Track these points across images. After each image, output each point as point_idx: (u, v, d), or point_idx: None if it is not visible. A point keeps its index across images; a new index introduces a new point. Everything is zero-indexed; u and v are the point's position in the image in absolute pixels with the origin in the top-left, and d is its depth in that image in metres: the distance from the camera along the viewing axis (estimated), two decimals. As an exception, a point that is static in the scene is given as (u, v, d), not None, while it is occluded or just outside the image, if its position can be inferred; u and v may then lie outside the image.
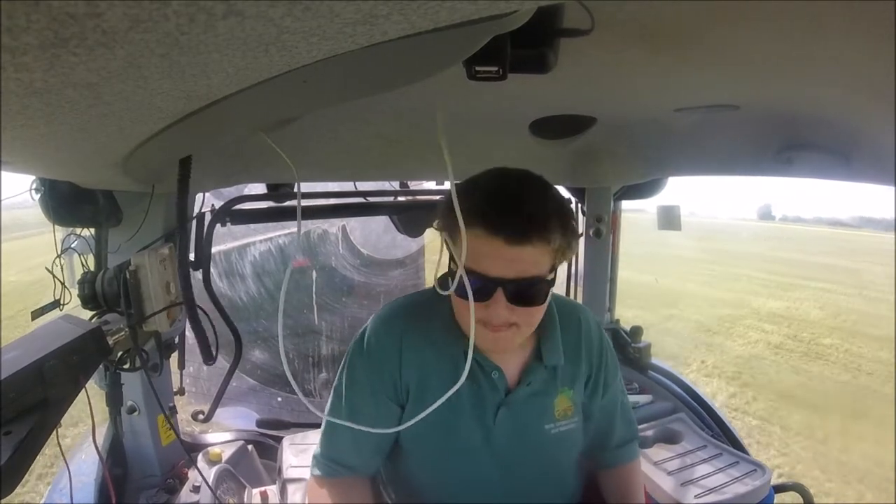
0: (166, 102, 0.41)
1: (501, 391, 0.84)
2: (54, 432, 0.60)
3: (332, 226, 4.46)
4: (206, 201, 1.32)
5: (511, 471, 0.86)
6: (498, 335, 0.75)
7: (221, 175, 1.24)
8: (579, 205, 1.79)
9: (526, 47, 0.54)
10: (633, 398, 1.59)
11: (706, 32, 0.57)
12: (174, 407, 1.35)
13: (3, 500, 0.50)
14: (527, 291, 0.72)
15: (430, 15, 0.30)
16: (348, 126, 1.11)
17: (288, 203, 1.45)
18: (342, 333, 4.11)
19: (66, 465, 0.96)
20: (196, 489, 1.18)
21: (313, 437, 1.35)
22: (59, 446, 0.76)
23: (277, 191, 1.43)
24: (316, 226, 4.12)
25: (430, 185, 1.78)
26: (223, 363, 1.34)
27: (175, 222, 1.14)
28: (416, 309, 0.88)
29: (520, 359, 0.86)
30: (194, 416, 1.49)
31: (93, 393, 0.80)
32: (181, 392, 1.36)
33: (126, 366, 0.98)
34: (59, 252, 1.01)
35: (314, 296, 4.11)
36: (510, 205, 0.69)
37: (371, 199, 1.61)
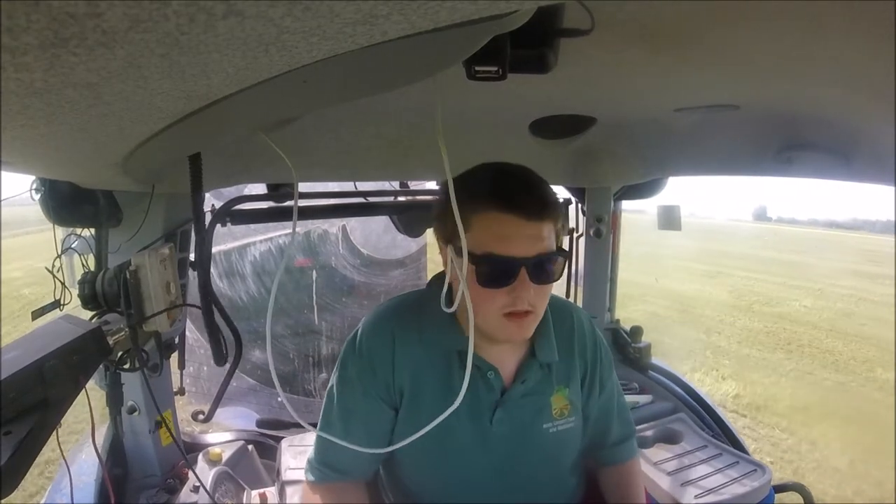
0: (166, 102, 0.41)
1: (497, 390, 0.83)
2: (54, 432, 0.60)
3: (332, 226, 4.46)
4: (206, 201, 1.32)
5: (510, 471, 0.86)
6: (521, 322, 0.74)
7: (221, 175, 1.24)
8: (579, 205, 1.79)
9: (526, 47, 0.54)
10: (633, 398, 1.59)
11: (706, 32, 0.57)
12: (160, 422, 1.32)
13: (4, 501, 0.50)
14: (548, 267, 0.73)
15: (430, 15, 0.30)
16: (348, 126, 1.11)
17: (288, 203, 1.45)
18: (342, 333, 4.11)
19: (66, 465, 0.96)
20: (196, 489, 1.18)
21: (312, 439, 1.35)
22: (59, 446, 0.76)
23: (277, 191, 1.43)
24: (316, 226, 4.12)
25: (431, 185, 1.78)
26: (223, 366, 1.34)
27: (176, 223, 1.14)
28: (407, 309, 0.87)
29: (515, 357, 0.85)
30: (194, 416, 1.49)
31: (93, 393, 0.80)
32: (181, 392, 1.36)
33: (126, 366, 0.98)
34: (60, 252, 1.01)
35: (314, 296, 4.11)
36: (521, 184, 0.72)
37: (371, 199, 1.60)
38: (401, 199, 1.68)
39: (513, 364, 0.85)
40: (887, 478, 3.38)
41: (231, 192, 1.62)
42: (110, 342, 0.80)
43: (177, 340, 1.30)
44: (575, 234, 1.81)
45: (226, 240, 3.75)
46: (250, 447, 1.49)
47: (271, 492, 1.25)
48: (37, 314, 0.91)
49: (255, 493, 1.24)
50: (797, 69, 0.68)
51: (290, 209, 1.44)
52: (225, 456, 1.35)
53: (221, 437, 1.56)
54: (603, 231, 1.72)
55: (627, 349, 1.76)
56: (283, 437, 1.41)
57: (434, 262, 4.87)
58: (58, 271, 0.97)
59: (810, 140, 1.00)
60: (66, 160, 0.66)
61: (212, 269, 1.32)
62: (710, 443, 1.36)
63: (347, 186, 1.58)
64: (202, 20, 0.26)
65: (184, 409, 1.54)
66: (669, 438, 1.40)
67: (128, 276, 0.88)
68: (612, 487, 0.97)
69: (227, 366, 1.27)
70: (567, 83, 0.80)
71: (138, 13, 0.24)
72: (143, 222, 1.05)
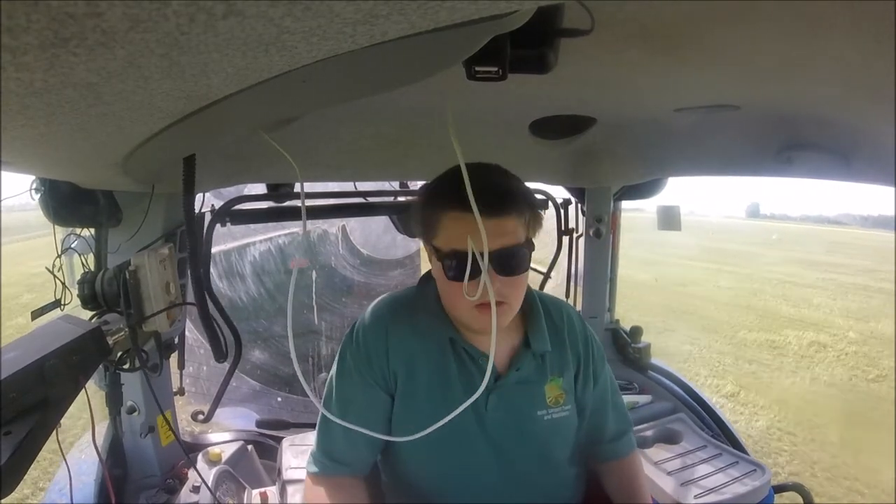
0: (166, 102, 0.41)
1: (491, 378, 0.85)
2: (54, 432, 0.60)
3: (332, 226, 4.46)
4: (206, 201, 1.32)
5: (507, 458, 0.87)
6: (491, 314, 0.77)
7: (221, 175, 1.24)
8: (579, 205, 1.79)
9: (526, 47, 0.54)
10: (633, 398, 1.59)
11: (706, 32, 0.57)
12: (153, 426, 1.31)
13: (4, 500, 0.50)
14: (512, 260, 0.77)
15: (430, 15, 0.30)
16: (348, 126, 1.11)
17: (288, 203, 1.45)
18: (342, 333, 4.09)
19: (66, 465, 0.96)
20: (196, 489, 1.18)
21: (312, 438, 1.35)
22: (59, 446, 0.76)
23: (277, 191, 1.43)
24: (316, 226, 4.12)
25: None
26: (223, 363, 1.34)
27: (176, 223, 1.14)
28: (400, 303, 0.92)
29: (508, 346, 0.88)
30: (194, 417, 1.49)
31: (93, 393, 0.80)
32: (181, 392, 1.36)
33: (126, 366, 0.98)
34: (60, 252, 1.01)
35: (314, 296, 4.10)
36: (482, 182, 0.74)
37: (371, 199, 1.60)
38: (400, 199, 1.68)
39: (506, 353, 0.88)
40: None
41: (231, 192, 1.62)
42: (110, 342, 0.80)
43: (176, 340, 1.30)
44: (575, 234, 1.81)
45: (226, 240, 3.75)
46: (250, 447, 1.49)
47: (272, 491, 1.25)
48: (37, 314, 0.91)
49: (255, 492, 1.24)
50: (797, 69, 0.68)
51: (289, 209, 1.44)
52: (225, 456, 1.35)
53: (221, 437, 1.56)
54: (603, 231, 1.72)
55: (627, 349, 1.76)
56: (282, 438, 1.41)
57: (427, 262, 4.90)
58: (58, 271, 0.97)
59: (810, 140, 1.00)
60: (66, 160, 0.66)
61: (211, 270, 1.32)
62: (710, 443, 1.36)
63: (347, 186, 1.58)
64: (202, 20, 0.26)
65: (183, 409, 1.54)
66: (669, 438, 1.40)
67: (127, 276, 0.88)
68: (615, 483, 0.97)
69: (227, 366, 1.27)
70: (567, 83, 0.80)
71: (138, 13, 0.24)
72: (143, 222, 1.05)
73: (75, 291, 0.95)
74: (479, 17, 0.32)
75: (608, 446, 0.98)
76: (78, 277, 0.95)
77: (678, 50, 0.62)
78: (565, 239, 1.81)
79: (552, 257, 1.85)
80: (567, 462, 0.94)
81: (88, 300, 0.92)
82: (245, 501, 1.23)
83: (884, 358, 6.65)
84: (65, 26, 0.24)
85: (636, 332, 1.78)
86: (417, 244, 4.75)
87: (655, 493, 1.18)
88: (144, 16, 0.24)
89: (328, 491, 0.84)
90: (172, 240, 1.12)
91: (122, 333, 0.87)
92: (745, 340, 6.99)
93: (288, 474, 1.23)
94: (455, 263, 0.76)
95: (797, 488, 1.36)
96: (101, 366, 0.99)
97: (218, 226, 1.28)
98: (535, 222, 0.81)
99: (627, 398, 1.55)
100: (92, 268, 1.06)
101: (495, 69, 0.54)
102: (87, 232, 1.08)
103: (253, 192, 1.46)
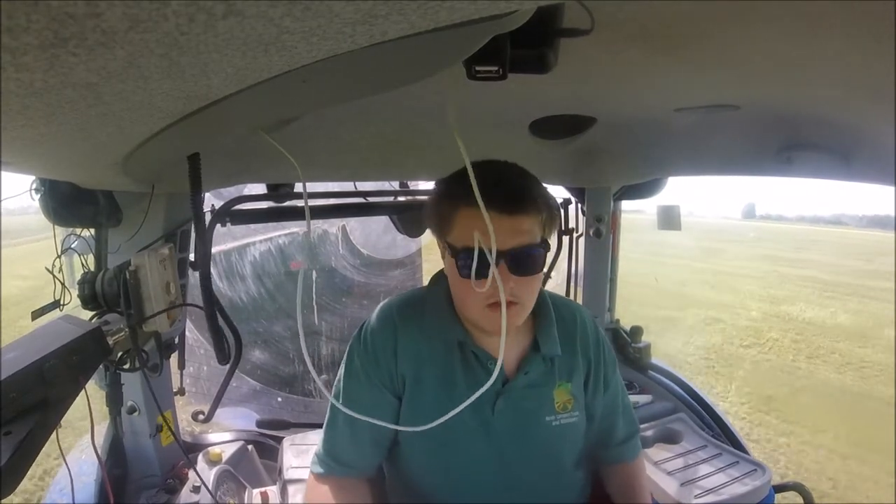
0: (166, 102, 0.41)
1: (499, 381, 0.84)
2: (54, 432, 0.60)
3: (332, 226, 4.46)
4: (206, 201, 1.32)
5: (512, 463, 0.86)
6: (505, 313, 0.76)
7: (222, 175, 1.24)
8: (579, 205, 1.79)
9: (526, 47, 0.54)
10: (633, 398, 1.58)
11: (706, 32, 0.57)
12: (160, 426, 1.32)
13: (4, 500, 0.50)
14: (527, 259, 0.75)
15: (430, 15, 0.30)
16: (348, 126, 1.11)
17: (288, 203, 1.45)
18: (342, 333, 4.11)
19: (66, 465, 0.96)
20: (196, 489, 1.18)
21: (314, 438, 1.35)
22: (59, 446, 0.76)
23: (277, 191, 1.43)
24: (316, 226, 4.12)
25: (431, 185, 1.78)
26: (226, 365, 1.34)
27: (176, 223, 1.14)
28: (408, 305, 0.90)
29: (517, 350, 0.87)
30: (194, 417, 1.49)
31: (93, 393, 0.80)
32: (181, 392, 1.36)
33: (126, 366, 0.98)
34: (60, 252, 1.01)
35: (314, 296, 4.10)
36: (499, 180, 0.74)
37: (371, 199, 1.60)
38: (400, 199, 1.68)
39: (515, 356, 0.87)
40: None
41: (231, 192, 1.62)
42: (110, 342, 0.80)
43: (177, 340, 1.30)
44: (575, 234, 1.81)
45: (226, 240, 3.76)
46: (250, 447, 1.49)
47: (272, 491, 1.25)
48: (37, 314, 0.91)
49: (256, 491, 1.24)
50: (797, 69, 0.68)
51: (289, 209, 1.44)
52: (225, 456, 1.35)
53: (221, 437, 1.56)
54: (603, 231, 1.72)
55: (627, 349, 1.76)
56: (282, 438, 1.41)
57: (430, 263, 5.05)
58: (58, 271, 0.97)
59: (810, 140, 1.00)
60: (66, 160, 0.66)
61: (211, 270, 1.32)
62: (710, 442, 1.36)
63: (347, 186, 1.58)
64: (202, 20, 0.26)
65: (183, 409, 1.54)
66: (669, 438, 1.40)
67: (128, 276, 0.88)
68: (618, 487, 0.97)
69: (227, 366, 1.27)
70: (567, 83, 0.80)
71: (138, 13, 0.24)
72: (143, 222, 1.05)
73: (75, 292, 0.95)
74: (479, 17, 0.32)
75: (616, 450, 0.97)
76: (78, 278, 0.95)
77: (678, 50, 0.62)
78: (565, 239, 1.81)
79: (552, 257, 1.86)
80: (573, 467, 0.93)
81: (88, 300, 0.92)
82: (246, 501, 1.23)
83: (771, 331, 7.86)
84: (65, 26, 0.24)
85: (636, 332, 1.78)
86: (417, 244, 4.75)
87: (656, 493, 1.18)
88: (144, 16, 0.24)
89: (332, 491, 0.84)
90: (172, 240, 1.12)
91: (123, 333, 0.87)
92: (643, 316, 7.31)
93: (289, 474, 1.23)
94: (468, 261, 0.74)
95: (798, 488, 1.36)
96: (101, 366, 0.99)
97: (218, 226, 1.28)
98: (551, 223, 0.80)
99: (627, 398, 1.55)
100: (92, 268, 1.06)
101: (496, 69, 0.54)
102: (87, 232, 1.08)
103: (253, 192, 1.46)
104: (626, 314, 1.83)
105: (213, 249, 1.32)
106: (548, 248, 0.80)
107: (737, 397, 5.10)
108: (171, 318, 0.97)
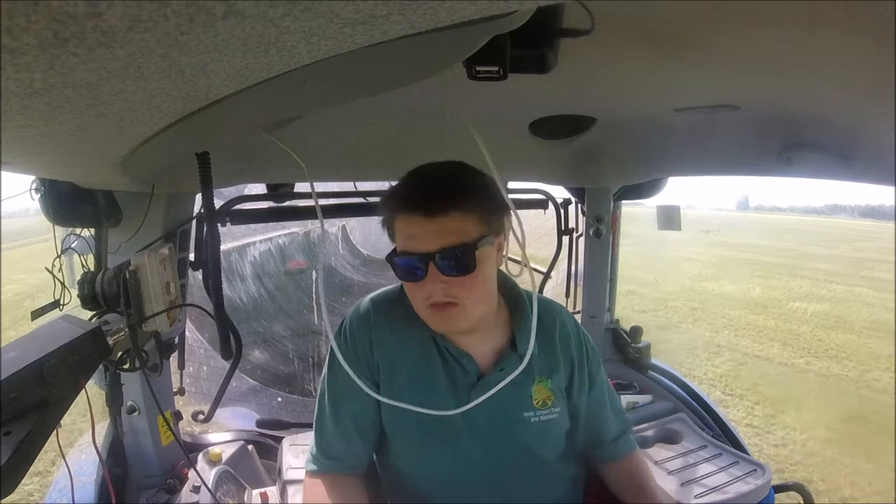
0: (166, 102, 0.41)
1: (473, 375, 0.87)
2: (54, 432, 0.60)
3: (332, 226, 4.46)
4: None
5: (494, 457, 0.87)
6: (443, 314, 0.79)
7: (222, 175, 1.23)
8: (579, 205, 1.79)
9: (526, 47, 0.54)
10: (633, 398, 1.59)
11: (706, 32, 0.57)
12: (179, 413, 1.36)
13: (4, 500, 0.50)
14: (455, 260, 0.76)
15: (430, 15, 0.30)
16: (348, 126, 1.11)
17: (288, 203, 1.45)
18: (342, 333, 4.09)
19: (67, 465, 0.96)
20: (196, 489, 1.18)
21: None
22: (59, 446, 0.76)
23: (277, 191, 1.43)
24: (315, 226, 4.12)
25: None
26: (223, 363, 1.34)
27: (176, 223, 1.14)
28: (383, 301, 0.93)
29: (493, 346, 0.89)
30: (194, 417, 1.49)
31: (93, 393, 0.80)
32: (181, 392, 1.36)
33: (126, 366, 0.98)
34: (59, 252, 1.01)
35: (314, 296, 4.11)
36: (424, 184, 0.78)
37: (371, 200, 1.60)
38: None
39: (490, 352, 0.89)
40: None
41: (231, 192, 1.62)
42: (110, 342, 0.80)
43: (176, 340, 1.30)
44: (575, 234, 1.81)
45: (226, 240, 3.76)
46: (250, 447, 1.49)
47: (272, 491, 1.24)
48: (37, 314, 0.91)
49: (256, 492, 1.24)
50: (797, 69, 0.68)
51: (289, 209, 1.44)
52: (225, 456, 1.35)
53: (221, 437, 1.55)
54: (603, 231, 1.72)
55: (627, 349, 1.76)
56: (282, 438, 1.40)
57: None
58: (58, 271, 0.97)
59: (810, 140, 1.00)
60: (66, 160, 0.66)
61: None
62: (710, 442, 1.36)
63: (347, 186, 1.58)
64: (202, 20, 0.26)
65: (183, 409, 1.54)
66: (669, 438, 1.40)
67: (127, 276, 0.88)
68: (620, 483, 0.97)
69: (227, 366, 1.27)
70: (567, 83, 0.80)
71: (138, 13, 0.24)
72: (143, 222, 1.05)
73: (75, 292, 0.95)
74: (479, 17, 0.32)
75: (609, 447, 0.97)
76: (78, 277, 0.95)
77: (678, 50, 0.62)
78: (565, 239, 1.81)
79: (552, 257, 1.86)
80: (556, 462, 0.94)
81: (88, 300, 0.92)
82: (246, 501, 1.23)
83: (675, 301, 8.88)
84: (65, 26, 0.24)
85: (636, 332, 1.78)
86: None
87: (655, 493, 1.18)
88: (144, 16, 0.24)
89: (326, 488, 0.85)
90: (172, 240, 1.12)
91: (122, 333, 0.87)
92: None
93: (289, 474, 1.23)
94: (402, 265, 0.78)
95: (798, 488, 1.36)
96: (101, 366, 0.99)
97: (218, 226, 1.28)
98: (492, 218, 0.78)
99: (627, 398, 1.55)
100: (92, 268, 1.06)
101: (496, 69, 0.54)
102: (87, 232, 1.08)
103: (253, 192, 1.46)
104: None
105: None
106: (490, 244, 0.79)
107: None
108: (171, 318, 0.97)
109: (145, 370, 0.97)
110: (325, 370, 0.92)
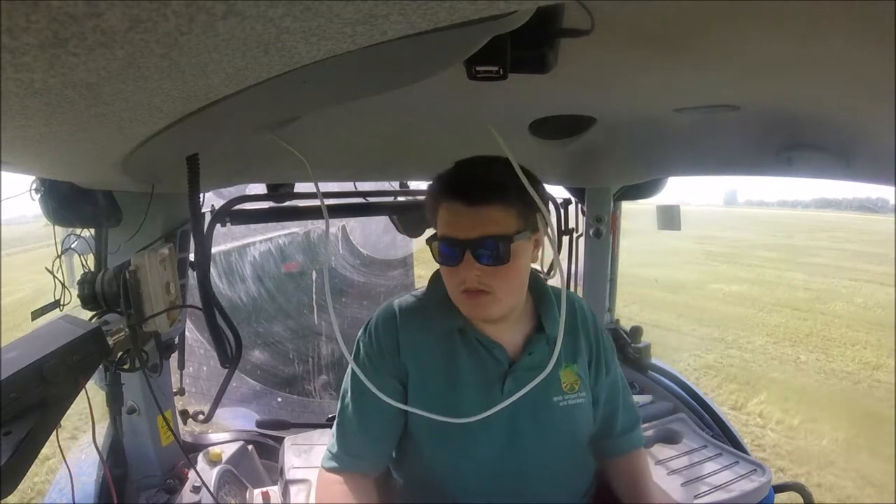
0: (166, 102, 0.41)
1: (504, 363, 0.88)
2: (54, 432, 0.60)
3: (332, 226, 4.46)
4: (206, 201, 1.32)
5: (523, 444, 0.87)
6: (475, 301, 0.81)
7: (222, 175, 1.24)
8: (579, 205, 1.79)
9: (526, 47, 0.54)
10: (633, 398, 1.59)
11: (706, 32, 0.57)
12: (186, 411, 1.36)
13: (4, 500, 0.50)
14: (491, 250, 0.78)
15: (430, 15, 0.30)
16: (348, 126, 1.11)
17: (288, 203, 1.45)
18: (342, 334, 4.09)
19: (67, 465, 0.96)
20: (196, 489, 1.18)
21: (315, 438, 1.35)
22: (59, 446, 0.76)
23: (277, 191, 1.43)
24: (316, 226, 4.12)
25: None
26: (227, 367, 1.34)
27: (176, 223, 1.14)
28: (409, 302, 0.95)
29: (521, 333, 0.90)
30: (194, 417, 1.49)
31: (93, 393, 0.80)
32: (181, 392, 1.36)
33: (126, 366, 0.98)
34: (59, 252, 1.01)
35: (314, 296, 4.10)
36: (469, 174, 0.81)
37: (371, 199, 1.60)
38: (400, 199, 1.68)
39: (519, 339, 0.90)
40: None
41: (231, 192, 1.62)
42: (110, 342, 0.80)
43: (176, 341, 1.30)
44: (575, 234, 1.81)
45: (226, 240, 3.75)
46: (250, 447, 1.49)
47: (274, 491, 1.24)
48: (37, 314, 0.91)
49: (258, 491, 1.24)
50: (797, 69, 0.68)
51: (289, 209, 1.44)
52: (225, 456, 1.35)
53: (221, 437, 1.55)
54: (603, 231, 1.72)
55: (627, 349, 1.76)
56: (282, 438, 1.40)
57: (420, 261, 5.25)
58: (57, 271, 0.97)
59: (810, 140, 1.00)
60: (66, 160, 0.66)
61: (211, 269, 1.32)
62: (710, 443, 1.36)
63: (347, 186, 1.58)
64: (202, 20, 0.26)
65: (184, 409, 1.54)
66: (669, 438, 1.40)
67: (127, 276, 0.88)
68: (621, 477, 0.97)
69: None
70: (567, 83, 0.80)
71: (138, 13, 0.24)
72: (143, 222, 1.05)
73: (75, 292, 0.95)
74: (479, 17, 0.32)
75: (617, 440, 0.98)
76: (78, 278, 0.95)
77: (678, 50, 0.62)
78: (565, 239, 1.81)
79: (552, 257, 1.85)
80: (583, 448, 0.95)
81: (88, 300, 0.92)
82: (247, 501, 1.23)
83: (626, 286, 9.04)
84: (65, 26, 0.24)
85: (636, 332, 1.78)
86: (417, 244, 4.74)
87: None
88: (144, 16, 0.24)
89: (349, 487, 0.85)
90: (172, 240, 1.12)
91: (122, 334, 0.87)
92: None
93: (290, 474, 1.23)
94: (441, 249, 0.81)
95: (798, 488, 1.36)
96: (101, 366, 0.99)
97: (218, 226, 1.28)
98: (529, 214, 0.81)
99: (627, 398, 1.55)
100: (92, 268, 1.06)
101: (496, 69, 0.54)
102: (87, 232, 1.08)
103: (253, 192, 1.46)
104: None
105: (213, 249, 1.32)
106: (526, 239, 0.81)
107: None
108: (170, 318, 0.97)
109: (145, 370, 0.97)
110: (349, 369, 0.91)
